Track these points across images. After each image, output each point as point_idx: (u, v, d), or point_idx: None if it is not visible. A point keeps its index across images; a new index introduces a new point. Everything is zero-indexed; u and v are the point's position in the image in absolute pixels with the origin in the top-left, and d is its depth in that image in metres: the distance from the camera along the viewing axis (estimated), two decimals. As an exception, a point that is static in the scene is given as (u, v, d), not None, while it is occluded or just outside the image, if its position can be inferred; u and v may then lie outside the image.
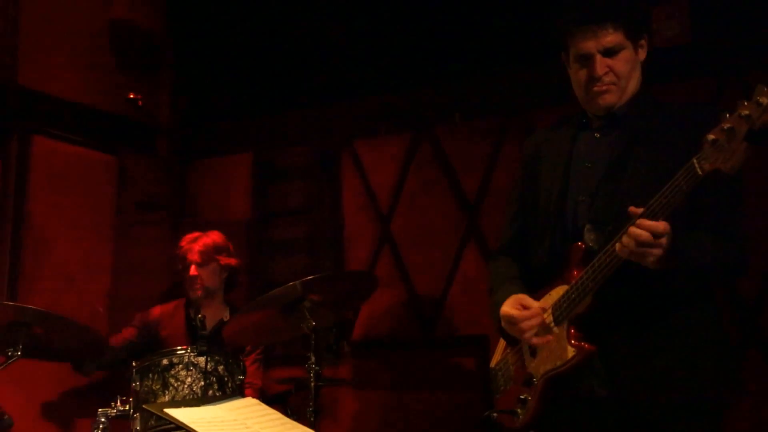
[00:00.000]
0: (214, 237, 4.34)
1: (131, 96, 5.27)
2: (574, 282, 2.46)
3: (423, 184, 5.06)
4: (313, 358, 3.45)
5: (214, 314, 4.28)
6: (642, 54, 2.57)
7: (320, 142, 5.38)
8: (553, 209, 2.60)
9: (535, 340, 2.54)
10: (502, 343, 2.79)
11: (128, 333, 4.39)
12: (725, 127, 2.10)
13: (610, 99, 2.55)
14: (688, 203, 2.26)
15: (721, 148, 2.11)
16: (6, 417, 3.66)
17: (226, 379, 3.41)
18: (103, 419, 3.38)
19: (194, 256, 4.25)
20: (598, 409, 2.47)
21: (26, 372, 4.05)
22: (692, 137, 2.21)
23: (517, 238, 2.79)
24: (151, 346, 4.12)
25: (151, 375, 3.39)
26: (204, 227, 4.47)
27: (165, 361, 3.39)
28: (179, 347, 3.50)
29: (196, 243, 4.28)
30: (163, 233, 5.31)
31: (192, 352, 3.40)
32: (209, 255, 4.27)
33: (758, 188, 3.56)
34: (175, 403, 3.13)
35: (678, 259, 2.27)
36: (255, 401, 2.93)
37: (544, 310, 2.54)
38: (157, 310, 4.42)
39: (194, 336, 4.10)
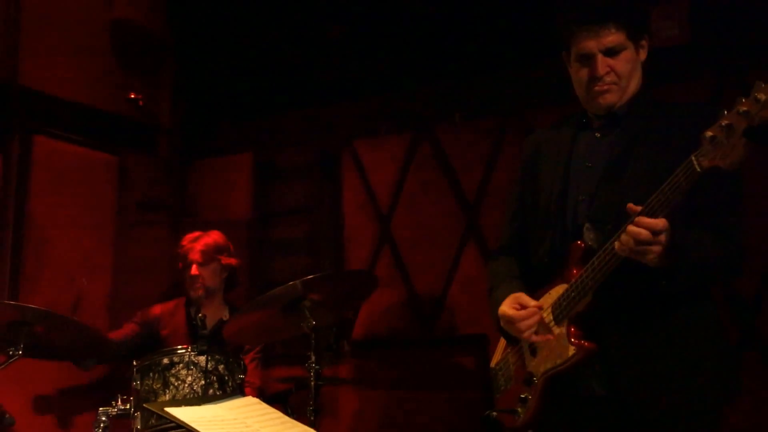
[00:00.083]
0: (215, 237, 4.35)
1: (132, 96, 5.27)
2: (573, 281, 2.46)
3: (423, 184, 5.07)
4: (313, 358, 3.45)
5: (213, 314, 4.28)
6: (643, 54, 2.57)
7: (320, 142, 5.39)
8: (553, 208, 2.60)
9: (534, 338, 2.55)
10: (502, 342, 2.79)
11: (129, 329, 4.39)
12: (723, 124, 2.11)
13: (610, 99, 2.55)
14: (687, 202, 2.27)
15: (720, 145, 2.12)
16: (7, 416, 3.66)
17: (226, 378, 3.41)
18: (104, 418, 3.37)
19: (196, 256, 4.26)
20: (597, 409, 2.48)
21: (27, 371, 4.06)
22: (692, 136, 2.21)
23: (517, 237, 2.79)
24: (152, 345, 4.13)
25: (151, 374, 3.38)
26: (204, 227, 4.48)
27: (165, 360, 3.39)
28: (180, 346, 3.49)
29: (198, 242, 4.29)
30: (164, 233, 5.31)
31: (192, 351, 3.39)
32: (210, 255, 4.28)
33: (756, 188, 3.55)
34: (176, 402, 3.15)
35: (677, 256, 2.27)
36: (255, 400, 2.93)
37: (541, 308, 2.54)
38: (157, 309, 4.42)
39: (194, 335, 4.11)
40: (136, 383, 3.39)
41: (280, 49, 5.48)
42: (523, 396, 2.58)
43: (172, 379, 3.36)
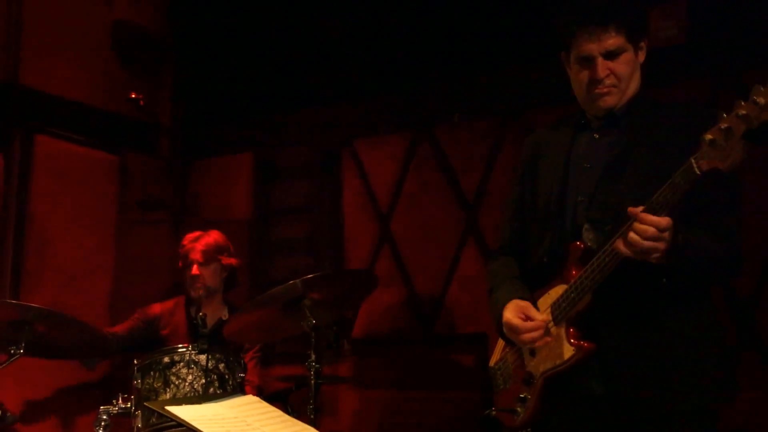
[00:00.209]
0: (215, 236, 4.34)
1: (133, 96, 5.28)
2: (573, 281, 2.47)
3: (422, 184, 5.07)
4: (313, 356, 3.46)
5: (213, 313, 4.28)
6: (642, 56, 2.58)
7: (320, 141, 5.39)
8: (552, 209, 2.61)
9: (537, 343, 2.55)
10: (501, 342, 2.79)
11: (128, 324, 4.37)
12: (723, 127, 2.12)
13: (610, 101, 2.56)
14: (686, 202, 2.27)
15: (719, 148, 2.13)
16: (9, 414, 3.67)
17: (226, 376, 3.41)
18: (104, 417, 3.36)
19: (196, 256, 4.25)
20: (596, 408, 2.48)
21: (29, 370, 4.06)
22: (691, 138, 2.23)
23: (516, 237, 2.80)
24: (152, 344, 4.11)
25: (152, 373, 3.38)
26: (205, 226, 4.48)
27: (166, 359, 3.38)
28: (180, 345, 3.48)
29: (198, 242, 4.28)
30: (165, 232, 5.32)
31: (193, 350, 3.39)
32: (211, 254, 4.28)
33: (753, 188, 3.56)
34: (177, 401, 3.16)
35: (680, 253, 2.29)
36: (256, 399, 2.93)
37: (546, 323, 2.53)
38: (157, 308, 4.41)
39: (194, 334, 4.11)
40: (137, 382, 3.38)
41: (281, 49, 5.48)
42: (522, 395, 2.59)
43: (173, 378, 3.36)
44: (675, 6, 4.36)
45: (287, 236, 5.47)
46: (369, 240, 5.18)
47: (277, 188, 5.54)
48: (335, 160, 5.34)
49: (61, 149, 4.92)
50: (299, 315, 3.55)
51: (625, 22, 2.50)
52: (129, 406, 3.39)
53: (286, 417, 2.78)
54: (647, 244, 2.26)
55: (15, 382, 4.16)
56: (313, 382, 3.44)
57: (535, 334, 2.53)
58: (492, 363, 2.82)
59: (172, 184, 5.62)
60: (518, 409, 2.60)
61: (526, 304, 2.59)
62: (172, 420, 2.76)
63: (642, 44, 2.57)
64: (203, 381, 3.35)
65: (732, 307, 4.12)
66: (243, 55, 5.58)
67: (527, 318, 2.56)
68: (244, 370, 3.51)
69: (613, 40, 2.49)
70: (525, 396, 2.58)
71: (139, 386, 3.38)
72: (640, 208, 2.27)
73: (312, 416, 3.38)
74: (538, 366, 2.55)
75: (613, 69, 2.52)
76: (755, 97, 2.08)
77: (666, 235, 2.25)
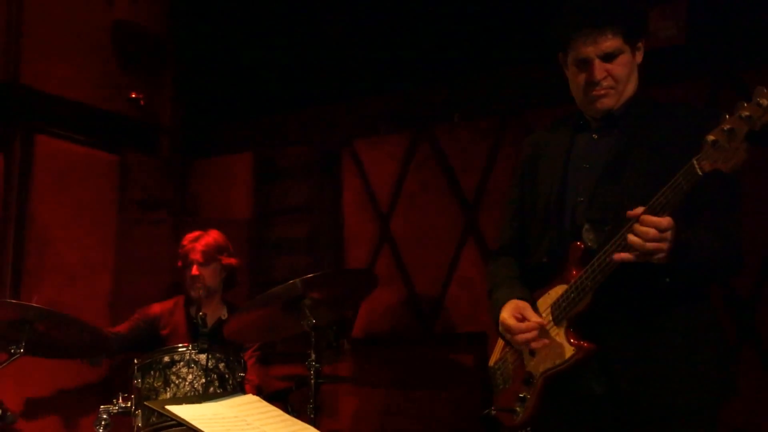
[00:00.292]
0: (215, 236, 4.34)
1: (133, 96, 5.30)
2: (573, 281, 2.47)
3: (422, 184, 5.08)
4: (313, 356, 3.46)
5: (212, 312, 4.27)
6: (639, 57, 2.58)
7: (320, 141, 5.39)
8: (552, 209, 2.61)
9: (533, 344, 2.55)
10: (500, 341, 2.79)
11: (129, 324, 4.37)
12: (725, 128, 2.12)
13: (608, 103, 2.56)
14: (686, 202, 2.27)
15: (722, 149, 2.13)
16: (9, 413, 3.67)
17: (227, 376, 3.42)
18: (105, 416, 3.37)
19: (197, 256, 4.25)
20: (596, 408, 2.48)
21: (29, 369, 4.08)
22: (690, 138, 2.23)
23: (516, 238, 2.80)
24: (152, 344, 4.10)
25: (152, 372, 3.39)
26: (205, 226, 4.47)
27: (166, 359, 3.39)
28: (180, 345, 3.49)
29: (198, 242, 4.27)
30: (165, 232, 5.31)
31: (193, 349, 3.40)
32: (211, 255, 4.27)
33: (752, 188, 3.56)
34: (177, 400, 3.17)
35: (682, 253, 2.29)
36: (256, 398, 2.93)
37: (542, 324, 2.53)
38: (156, 308, 4.41)
39: (194, 334, 4.11)
40: (137, 381, 3.39)
41: (280, 49, 5.48)
42: (521, 395, 2.58)
43: (173, 377, 3.37)
44: (674, 6, 4.36)
45: (287, 236, 5.47)
46: (369, 240, 5.19)
47: (277, 188, 5.54)
48: (335, 160, 5.35)
49: (61, 149, 4.93)
50: (299, 314, 3.56)
51: (622, 23, 2.50)
52: (129, 405, 3.39)
53: (286, 416, 2.79)
54: (649, 245, 2.25)
55: (15, 382, 4.16)
56: (313, 381, 3.45)
57: (528, 335, 2.53)
58: (492, 363, 2.81)
59: (173, 183, 5.62)
60: (517, 408, 2.60)
61: (523, 305, 2.59)
62: (172, 419, 2.76)
63: (639, 45, 2.57)
64: (203, 380, 3.36)
65: (731, 308, 4.13)
66: (243, 55, 5.59)
67: (523, 318, 2.56)
68: (244, 370, 3.52)
69: (609, 42, 2.49)
70: (524, 396, 2.58)
71: (140, 385, 3.38)
72: (640, 210, 2.27)
73: (312, 416, 3.38)
74: (538, 366, 2.55)
75: (611, 71, 2.52)
76: (759, 99, 2.08)
77: (668, 235, 2.25)
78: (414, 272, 5.04)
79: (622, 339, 2.43)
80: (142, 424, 3.30)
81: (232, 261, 4.36)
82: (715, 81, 4.24)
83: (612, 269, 2.37)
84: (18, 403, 4.32)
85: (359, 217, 5.26)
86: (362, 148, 5.30)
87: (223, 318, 4.24)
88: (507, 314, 2.60)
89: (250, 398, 2.95)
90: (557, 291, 2.53)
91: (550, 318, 2.53)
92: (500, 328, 2.63)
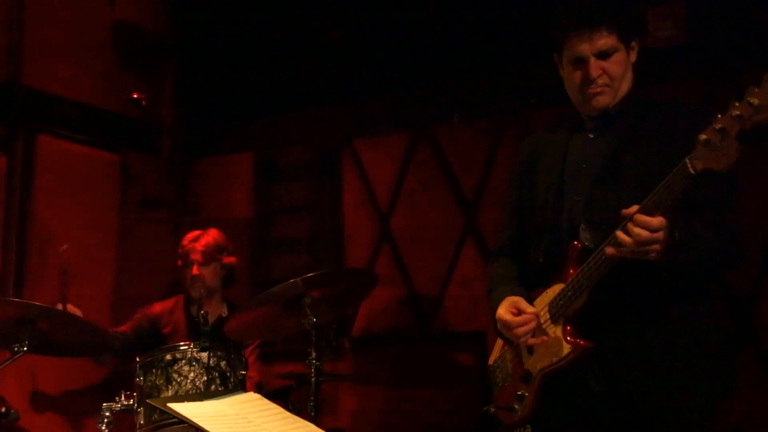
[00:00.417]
0: (214, 235, 4.33)
1: (135, 96, 5.30)
2: (569, 280, 2.48)
3: (422, 183, 5.09)
4: (313, 354, 3.46)
5: (213, 311, 4.27)
6: (633, 56, 2.60)
7: (321, 141, 5.41)
8: (550, 210, 2.63)
9: (531, 341, 2.56)
10: (500, 340, 2.80)
11: (131, 325, 4.36)
12: (717, 127, 2.14)
13: (603, 101, 2.57)
14: (683, 199, 2.28)
15: (714, 148, 2.15)
16: (12, 411, 3.69)
17: (228, 374, 3.43)
18: (107, 413, 3.37)
19: (197, 256, 4.25)
20: (594, 405, 2.49)
21: (32, 367, 4.09)
22: (685, 136, 2.24)
23: (515, 239, 2.81)
24: (153, 343, 4.10)
25: (154, 370, 3.40)
26: (205, 225, 4.46)
27: (168, 357, 3.40)
28: (182, 343, 3.50)
29: (198, 242, 4.27)
30: (166, 231, 5.31)
31: (195, 347, 3.41)
32: (211, 254, 4.27)
33: (750, 187, 3.56)
34: (179, 398, 3.16)
35: (678, 251, 2.30)
36: (257, 396, 2.91)
37: (537, 315, 2.55)
38: (157, 307, 4.42)
39: (195, 332, 4.11)
40: (140, 379, 3.40)
41: (281, 50, 5.49)
42: (520, 393, 2.60)
43: (175, 375, 3.38)
44: (673, 6, 4.37)
45: (288, 235, 5.48)
46: (369, 239, 5.20)
47: (277, 188, 5.55)
48: (335, 160, 5.36)
49: (63, 149, 4.94)
50: (300, 313, 3.56)
51: (616, 22, 2.52)
52: (131, 403, 3.39)
53: (287, 414, 2.76)
54: (640, 245, 2.27)
55: (18, 380, 4.18)
56: (313, 379, 3.45)
57: (526, 328, 2.55)
58: (491, 361, 2.83)
59: (173, 183, 5.63)
60: (516, 406, 2.61)
61: (518, 299, 2.61)
62: (174, 417, 2.73)
63: (633, 44, 2.59)
64: (205, 378, 3.37)
65: (730, 306, 4.13)
66: (244, 55, 5.59)
67: (519, 312, 2.58)
68: (245, 368, 3.52)
69: (604, 40, 2.51)
70: (523, 393, 2.59)
71: (142, 383, 3.39)
72: (634, 209, 2.28)
73: (312, 413, 3.39)
74: (536, 364, 2.56)
75: (606, 69, 2.54)
76: (749, 98, 2.10)
77: (659, 235, 2.26)
78: (414, 271, 5.05)
79: (620, 337, 2.44)
80: (145, 421, 3.31)
81: (232, 260, 4.36)
82: (713, 81, 4.25)
83: (608, 267, 2.38)
84: (21, 401, 4.33)
85: (359, 216, 5.27)
86: (362, 148, 5.31)
87: (224, 316, 4.26)
88: (503, 310, 2.62)
89: (251, 396, 2.92)
90: (555, 290, 2.55)
91: (548, 316, 2.54)
92: (498, 324, 2.64)
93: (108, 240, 5.13)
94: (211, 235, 4.32)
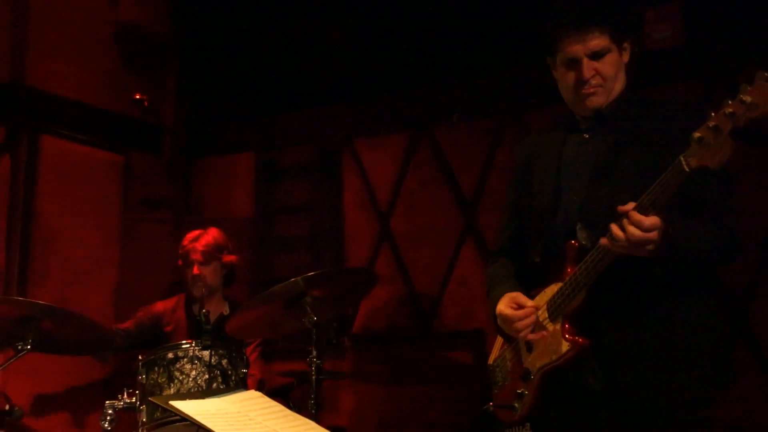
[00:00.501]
0: (214, 234, 4.34)
1: (137, 97, 5.32)
2: (567, 278, 2.50)
3: (422, 183, 5.11)
4: (314, 352, 3.48)
5: (214, 309, 4.29)
6: (626, 56, 2.62)
7: (321, 141, 5.42)
8: (546, 210, 2.64)
9: (530, 337, 2.58)
10: (499, 339, 2.82)
11: (133, 322, 4.38)
12: (711, 125, 2.15)
13: (597, 101, 2.59)
14: (679, 196, 2.29)
15: (707, 145, 2.16)
16: (16, 409, 3.70)
17: (229, 372, 3.44)
18: (110, 411, 3.41)
19: (197, 256, 4.26)
20: (593, 402, 2.50)
21: (36, 365, 4.10)
22: (679, 134, 2.26)
23: (514, 240, 2.83)
24: (155, 341, 4.14)
25: (156, 368, 3.41)
26: (207, 225, 4.47)
27: (170, 355, 3.42)
28: (184, 341, 3.52)
29: (198, 242, 4.29)
30: (168, 230, 5.32)
31: (196, 346, 3.42)
32: (211, 253, 4.29)
33: (746, 186, 3.57)
34: (181, 396, 3.15)
35: (673, 248, 2.31)
36: (258, 394, 2.92)
37: (537, 308, 2.57)
38: (159, 306, 4.43)
39: (196, 331, 4.11)
40: (142, 377, 3.42)
41: (282, 50, 5.51)
42: (519, 391, 2.61)
43: (177, 374, 3.40)
44: (670, 8, 4.39)
45: (288, 234, 5.48)
46: (369, 238, 5.22)
47: (278, 187, 5.56)
48: (336, 160, 5.37)
49: (66, 149, 4.95)
50: (300, 312, 3.58)
51: (608, 23, 2.55)
52: (134, 400, 3.42)
53: (288, 411, 2.77)
54: (631, 246, 2.29)
55: (22, 378, 4.20)
56: (314, 377, 3.47)
57: (527, 321, 2.57)
58: (491, 361, 2.84)
59: (175, 183, 5.64)
60: (516, 404, 2.62)
61: (517, 294, 2.63)
62: (175, 414, 2.73)
63: (625, 45, 2.61)
64: (206, 376, 3.39)
65: (726, 305, 4.14)
66: (245, 56, 5.61)
67: (519, 307, 2.60)
68: (247, 366, 3.54)
69: (597, 41, 2.54)
70: (522, 392, 2.60)
71: (144, 381, 3.41)
72: (631, 206, 2.30)
73: (313, 411, 3.41)
74: (535, 362, 2.57)
75: (599, 69, 2.56)
76: (742, 96, 2.11)
77: (652, 235, 2.28)
78: (413, 270, 5.07)
79: (618, 334, 2.45)
80: (147, 419, 3.33)
81: (232, 258, 4.38)
82: (710, 82, 4.26)
83: (605, 265, 2.40)
84: (25, 398, 4.34)
85: (359, 216, 5.28)
86: (362, 148, 5.32)
87: (225, 314, 4.26)
88: (503, 305, 2.64)
89: (253, 394, 2.92)
90: (553, 289, 2.56)
91: (546, 315, 2.55)
92: (498, 320, 2.66)
93: (110, 239, 5.14)
94: (211, 235, 4.33)
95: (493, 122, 4.94)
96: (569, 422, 2.58)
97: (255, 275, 5.34)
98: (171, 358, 3.42)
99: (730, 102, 2.14)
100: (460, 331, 4.85)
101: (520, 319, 2.57)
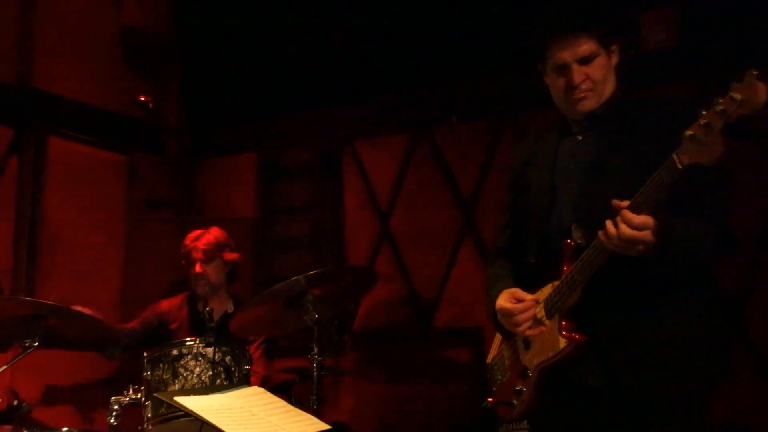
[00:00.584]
0: (215, 233, 4.36)
1: (142, 98, 5.34)
2: (563, 277, 2.52)
3: (421, 183, 5.13)
4: (315, 350, 3.50)
5: (218, 307, 4.30)
6: (614, 59, 2.64)
7: (322, 142, 5.44)
8: (542, 212, 2.67)
9: (528, 332, 2.60)
10: (498, 338, 2.84)
11: (139, 321, 4.41)
12: (702, 123, 2.18)
13: (588, 105, 2.62)
14: (673, 193, 2.31)
15: (699, 143, 2.19)
16: (24, 405, 3.73)
17: (233, 368, 3.47)
18: (116, 407, 3.44)
19: (199, 254, 4.28)
20: (591, 399, 2.52)
21: (43, 362, 4.11)
22: (670, 132, 2.28)
23: (511, 242, 2.86)
24: (161, 339, 4.17)
25: (161, 365, 3.44)
26: (209, 225, 4.48)
27: (175, 352, 3.44)
28: (188, 338, 3.55)
29: (199, 241, 4.31)
30: (171, 230, 5.31)
31: (201, 343, 3.45)
32: (213, 252, 4.30)
33: (740, 185, 3.54)
34: (185, 392, 3.22)
35: (665, 245, 2.33)
36: (261, 390, 2.97)
37: (537, 302, 2.59)
38: (165, 304, 4.45)
39: (200, 328, 4.13)
40: (147, 373, 3.44)
41: (283, 52, 5.53)
42: (518, 388, 2.63)
43: (181, 370, 3.43)
44: (666, 10, 4.40)
45: (290, 234, 5.51)
46: (369, 238, 5.24)
47: (280, 187, 5.59)
48: (336, 160, 5.40)
49: (72, 150, 4.98)
50: (302, 310, 3.60)
51: (595, 28, 2.57)
52: (139, 396, 3.45)
53: (290, 407, 2.83)
54: (622, 244, 2.32)
55: (30, 374, 4.22)
56: (315, 374, 3.48)
57: (526, 314, 2.59)
58: (489, 359, 2.86)
59: (179, 183, 5.67)
60: (515, 401, 2.63)
61: (516, 289, 2.65)
62: (180, 410, 2.81)
63: (613, 48, 2.63)
64: (210, 373, 3.41)
65: (720, 301, 4.16)
66: (247, 58, 5.63)
67: (518, 301, 2.62)
68: (250, 362, 3.56)
69: (585, 46, 2.56)
70: (520, 389, 2.62)
71: (149, 378, 3.44)
72: (626, 203, 2.32)
73: (315, 407, 3.42)
74: (533, 359, 2.59)
75: (588, 73, 2.59)
76: (732, 93, 2.14)
77: (644, 234, 2.30)
78: (413, 269, 5.09)
79: (615, 330, 2.47)
80: (152, 414, 3.36)
81: (234, 256, 4.39)
82: (707, 85, 4.26)
83: (600, 262, 2.42)
84: (33, 394, 4.36)
85: (360, 215, 5.30)
86: (363, 149, 5.34)
87: (230, 311, 4.29)
88: (502, 300, 2.66)
89: (255, 390, 2.98)
90: (549, 288, 2.58)
91: (543, 312, 2.57)
92: (498, 315, 2.67)
93: (116, 238, 5.17)
94: (212, 234, 4.36)
95: (491, 123, 4.96)
96: (567, 419, 2.59)
97: (257, 274, 5.36)
98: (175, 355, 3.44)
99: (720, 100, 2.16)
100: (459, 328, 4.87)
101: (520, 312, 2.59)
